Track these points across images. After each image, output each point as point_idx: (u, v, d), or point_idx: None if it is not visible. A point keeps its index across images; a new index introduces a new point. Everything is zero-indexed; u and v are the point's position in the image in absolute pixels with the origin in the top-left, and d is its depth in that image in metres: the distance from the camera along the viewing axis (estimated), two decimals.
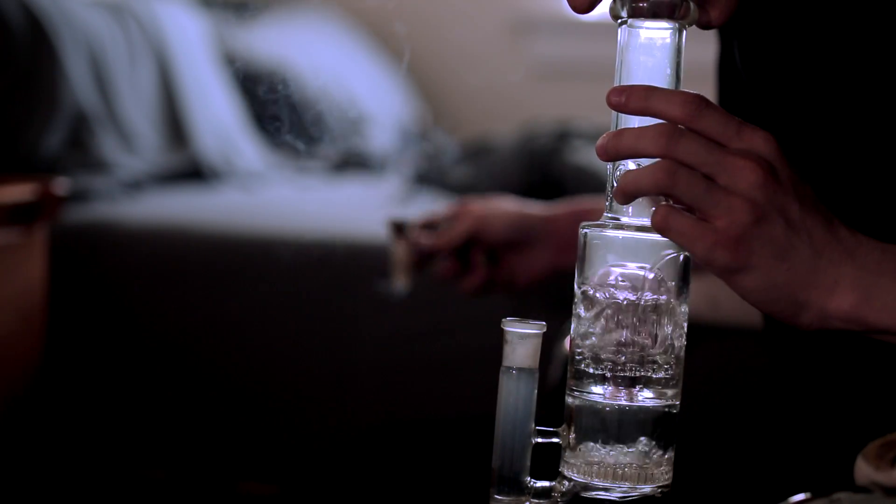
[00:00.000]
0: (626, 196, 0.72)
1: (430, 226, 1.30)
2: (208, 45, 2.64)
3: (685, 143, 0.70)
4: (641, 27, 0.74)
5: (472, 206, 1.31)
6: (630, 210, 0.74)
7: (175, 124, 2.40)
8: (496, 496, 0.74)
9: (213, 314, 1.97)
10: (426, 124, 3.25)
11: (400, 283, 1.30)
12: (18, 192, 1.81)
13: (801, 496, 0.81)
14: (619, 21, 0.75)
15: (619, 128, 0.73)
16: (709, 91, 1.29)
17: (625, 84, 0.74)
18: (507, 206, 1.32)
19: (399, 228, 1.29)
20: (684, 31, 0.74)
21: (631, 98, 0.72)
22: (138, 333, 2.00)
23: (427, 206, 2.36)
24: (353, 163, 2.81)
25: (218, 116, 2.53)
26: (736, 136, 0.71)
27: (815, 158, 0.91)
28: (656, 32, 0.74)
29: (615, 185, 0.73)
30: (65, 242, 1.98)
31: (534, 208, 1.33)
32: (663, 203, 0.71)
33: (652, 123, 0.72)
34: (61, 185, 1.88)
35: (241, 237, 2.03)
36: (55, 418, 1.98)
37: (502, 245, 1.29)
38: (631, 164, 0.73)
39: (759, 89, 0.94)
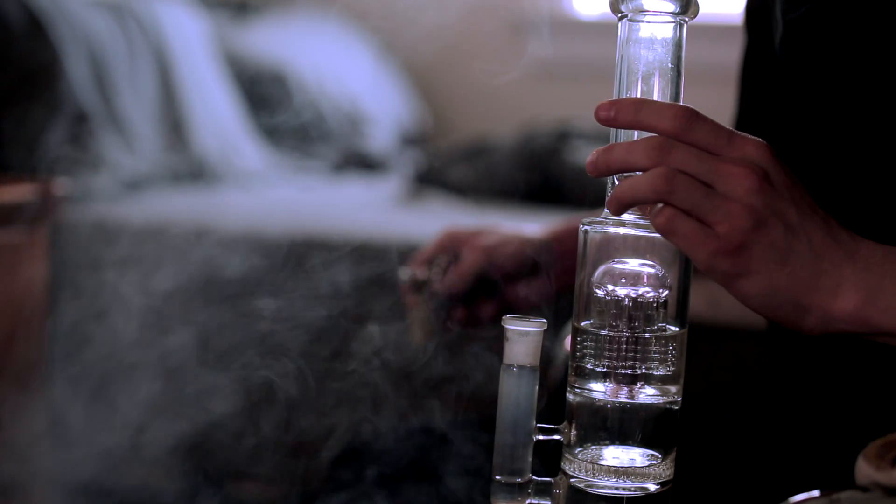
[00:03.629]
0: (622, 205, 0.72)
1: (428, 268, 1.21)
2: (208, 45, 2.64)
3: (678, 153, 0.70)
4: (642, 21, 0.74)
5: (462, 236, 1.22)
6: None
7: (175, 124, 2.40)
8: (497, 493, 0.74)
9: (213, 313, 1.97)
10: (426, 124, 3.25)
11: (422, 339, 1.21)
12: (18, 192, 1.81)
13: (802, 496, 0.81)
14: (620, 16, 0.75)
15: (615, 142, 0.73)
16: (709, 88, 1.29)
17: (620, 88, 0.74)
18: (506, 234, 1.23)
19: (420, 286, 1.20)
20: (685, 26, 0.74)
21: (620, 112, 0.72)
22: (138, 333, 2.00)
23: (428, 211, 2.36)
24: (353, 163, 2.81)
25: (218, 116, 2.53)
26: (728, 145, 0.71)
27: (834, 157, 0.91)
28: (657, 27, 0.74)
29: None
30: (65, 242, 1.98)
31: (533, 231, 1.25)
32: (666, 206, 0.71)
33: (644, 137, 0.72)
34: (61, 185, 1.88)
35: (241, 237, 2.03)
36: (55, 418, 1.98)
37: (510, 276, 1.20)
38: None
39: (796, 82, 0.93)
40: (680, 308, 0.74)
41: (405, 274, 1.22)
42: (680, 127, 0.70)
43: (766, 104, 1.02)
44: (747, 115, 1.07)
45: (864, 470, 0.80)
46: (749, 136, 0.72)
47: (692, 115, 0.71)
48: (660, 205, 0.71)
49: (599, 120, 0.72)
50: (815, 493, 0.81)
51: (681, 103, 0.73)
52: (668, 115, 0.71)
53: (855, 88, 0.89)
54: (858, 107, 0.89)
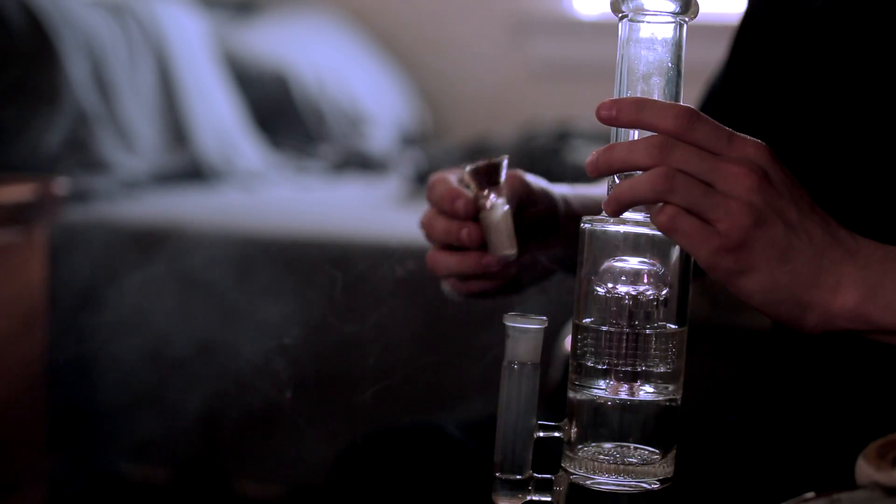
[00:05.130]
0: (621, 205, 0.72)
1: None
2: (208, 45, 2.64)
3: (678, 153, 0.70)
4: (643, 21, 0.74)
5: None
6: None
7: (175, 124, 2.40)
8: (498, 490, 0.74)
9: (213, 314, 1.97)
10: (426, 124, 3.25)
11: (507, 247, 0.91)
12: (18, 192, 1.81)
13: (802, 496, 0.81)
14: (620, 16, 0.75)
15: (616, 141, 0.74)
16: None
17: (620, 88, 0.74)
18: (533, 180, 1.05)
19: (491, 172, 0.93)
20: (685, 26, 0.74)
21: (622, 111, 0.72)
22: (138, 333, 2.00)
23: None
24: (353, 163, 2.81)
25: (218, 116, 2.53)
26: (728, 145, 0.71)
27: (835, 156, 0.91)
28: (658, 27, 0.74)
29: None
30: (65, 242, 1.98)
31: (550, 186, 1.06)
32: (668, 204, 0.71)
33: (644, 136, 0.72)
34: (61, 185, 1.88)
35: (241, 237, 2.03)
36: (55, 418, 1.98)
37: (531, 228, 0.99)
38: None
39: (801, 78, 0.94)
40: (680, 306, 0.75)
41: (459, 176, 0.99)
42: (681, 126, 0.71)
43: (754, 80, 1.01)
44: (733, 82, 1.05)
45: (864, 470, 0.80)
46: (749, 136, 0.72)
47: (693, 115, 0.71)
48: (661, 203, 0.71)
49: (601, 119, 0.73)
50: (815, 493, 0.81)
51: (681, 103, 0.73)
52: (669, 115, 0.71)
53: (861, 88, 0.89)
54: (863, 106, 0.89)
